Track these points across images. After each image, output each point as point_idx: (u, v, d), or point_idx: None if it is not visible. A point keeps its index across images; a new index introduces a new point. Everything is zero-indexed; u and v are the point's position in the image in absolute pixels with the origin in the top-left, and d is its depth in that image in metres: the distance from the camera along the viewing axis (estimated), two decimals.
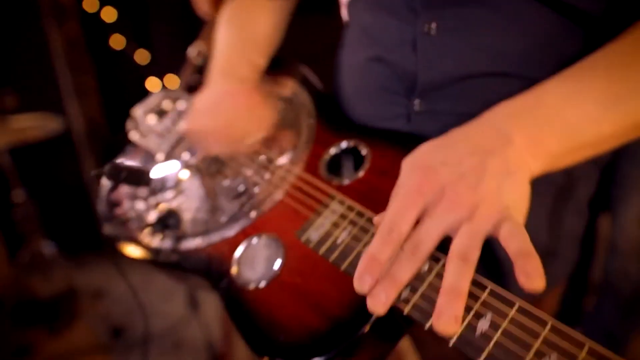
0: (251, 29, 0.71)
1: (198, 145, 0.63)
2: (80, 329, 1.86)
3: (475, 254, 0.35)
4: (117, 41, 2.37)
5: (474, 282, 0.35)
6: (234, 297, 0.45)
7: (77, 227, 2.14)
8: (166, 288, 2.13)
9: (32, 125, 1.52)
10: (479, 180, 0.37)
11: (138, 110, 0.67)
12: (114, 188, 0.63)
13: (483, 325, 0.32)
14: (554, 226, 0.58)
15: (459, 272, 0.34)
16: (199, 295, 2.04)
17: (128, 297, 2.03)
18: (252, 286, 0.45)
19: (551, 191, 0.55)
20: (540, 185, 0.52)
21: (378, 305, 0.36)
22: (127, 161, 0.63)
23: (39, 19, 1.86)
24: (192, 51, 0.80)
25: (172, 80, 1.68)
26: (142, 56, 2.42)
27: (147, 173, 0.55)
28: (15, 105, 1.50)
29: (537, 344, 0.30)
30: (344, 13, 0.69)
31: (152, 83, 2.39)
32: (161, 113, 0.68)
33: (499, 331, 0.32)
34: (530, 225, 0.55)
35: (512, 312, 0.32)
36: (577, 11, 0.47)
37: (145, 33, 2.45)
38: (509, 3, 0.48)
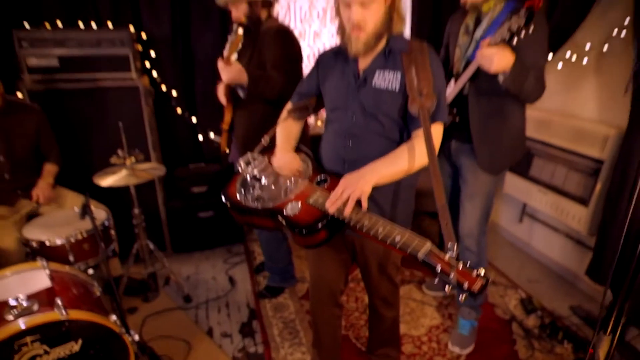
0: (289, 132, 1.78)
1: (279, 170, 1.70)
2: (163, 297, 2.84)
3: (353, 201, 1.42)
4: (178, 110, 3.49)
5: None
6: (286, 218, 1.50)
7: (154, 235, 3.17)
8: (212, 274, 3.14)
9: (148, 169, 2.56)
10: (356, 184, 1.44)
11: (241, 161, 1.76)
12: (239, 181, 1.73)
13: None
14: (393, 208, 1.65)
15: (349, 205, 1.42)
16: (234, 275, 3.09)
17: (190, 278, 3.05)
18: (291, 215, 1.50)
19: (389, 193, 1.63)
20: (385, 191, 1.63)
21: (332, 210, 1.43)
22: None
23: (139, 99, 2.94)
24: (264, 139, 1.86)
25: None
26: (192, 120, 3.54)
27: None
28: (141, 158, 2.53)
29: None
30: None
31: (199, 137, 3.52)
32: (248, 162, 1.77)
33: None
34: (384, 206, 1.67)
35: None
36: (394, 139, 1.57)
37: (193, 104, 3.56)
38: (371, 137, 1.57)
